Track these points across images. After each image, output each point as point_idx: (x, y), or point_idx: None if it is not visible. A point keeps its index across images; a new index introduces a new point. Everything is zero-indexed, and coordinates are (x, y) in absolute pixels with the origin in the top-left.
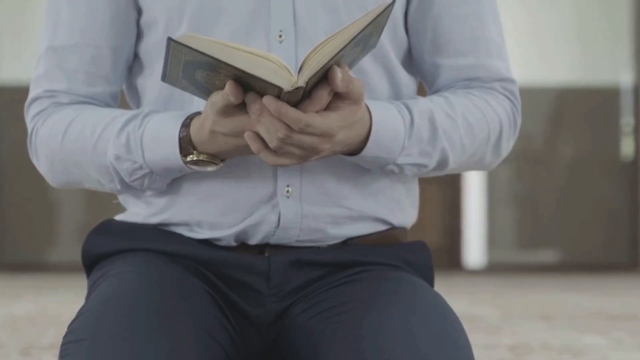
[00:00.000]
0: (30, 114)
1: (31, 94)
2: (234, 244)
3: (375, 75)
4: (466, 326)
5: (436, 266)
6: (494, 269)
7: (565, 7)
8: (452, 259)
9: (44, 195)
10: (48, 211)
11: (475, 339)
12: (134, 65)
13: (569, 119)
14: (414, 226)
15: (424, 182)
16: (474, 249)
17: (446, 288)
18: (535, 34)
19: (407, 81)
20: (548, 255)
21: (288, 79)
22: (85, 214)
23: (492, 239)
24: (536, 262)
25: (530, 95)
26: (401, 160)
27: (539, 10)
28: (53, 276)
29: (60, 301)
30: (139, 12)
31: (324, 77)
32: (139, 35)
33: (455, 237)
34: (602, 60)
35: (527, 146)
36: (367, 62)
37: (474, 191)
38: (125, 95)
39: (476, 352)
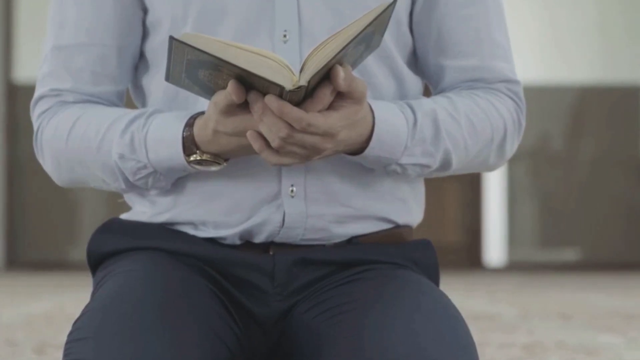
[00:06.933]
0: (35, 112)
1: (37, 93)
2: (238, 242)
3: (380, 75)
4: (483, 325)
5: (456, 265)
6: (514, 267)
7: (585, 6)
8: (472, 258)
9: (64, 193)
10: (68, 210)
11: (491, 338)
12: (139, 64)
13: (589, 117)
14: (434, 225)
15: (443, 181)
16: (494, 247)
17: (466, 286)
18: (555, 32)
19: (412, 81)
20: (568, 254)
21: (290, 78)
22: (104, 212)
23: (512, 238)
24: (556, 261)
25: (550, 94)
26: (404, 160)
27: (559, 9)
28: (72, 275)
29: (79, 300)
30: (145, 11)
31: (326, 76)
32: (144, 35)
33: (476, 236)
34: (622, 58)
35: (546, 145)
36: (372, 63)
37: (494, 190)
38: (131, 95)
39: (491, 350)
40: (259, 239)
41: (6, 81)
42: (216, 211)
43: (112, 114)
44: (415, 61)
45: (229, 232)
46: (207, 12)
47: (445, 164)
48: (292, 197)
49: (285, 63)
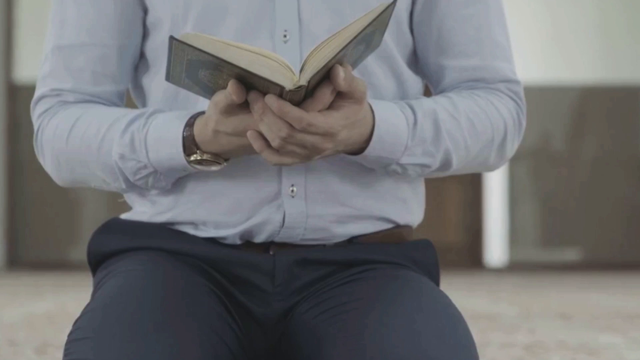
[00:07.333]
0: (36, 112)
1: (37, 93)
2: (239, 242)
3: (381, 76)
4: (484, 325)
5: (457, 264)
6: (515, 267)
7: (586, 6)
8: (474, 258)
9: (64, 193)
10: (68, 210)
11: (492, 338)
12: (139, 64)
13: (591, 117)
14: (435, 224)
15: (444, 181)
16: (495, 247)
17: (467, 286)
18: (556, 32)
19: (413, 81)
20: (569, 254)
21: (290, 78)
22: (105, 212)
23: (513, 238)
24: (557, 261)
25: (552, 94)
26: (404, 160)
27: (560, 8)
28: (73, 275)
29: (79, 300)
30: (145, 11)
31: (326, 76)
32: (145, 35)
33: (477, 236)
34: (623, 58)
35: (548, 144)
36: (372, 63)
37: (495, 190)
38: (131, 95)
39: (492, 350)
40: (259, 238)
41: (7, 81)
42: (217, 211)
43: (113, 114)
44: (416, 61)
45: (229, 232)
46: (207, 12)
47: (446, 164)
48: (293, 197)
49: (285, 63)
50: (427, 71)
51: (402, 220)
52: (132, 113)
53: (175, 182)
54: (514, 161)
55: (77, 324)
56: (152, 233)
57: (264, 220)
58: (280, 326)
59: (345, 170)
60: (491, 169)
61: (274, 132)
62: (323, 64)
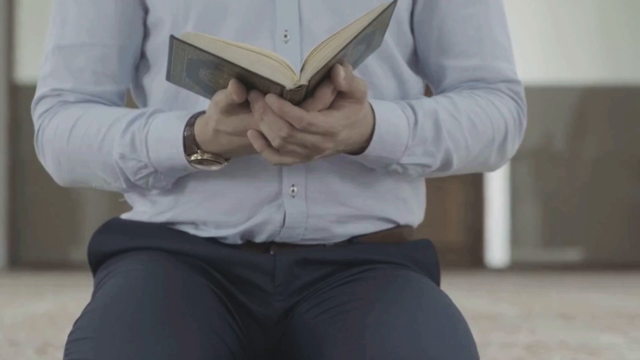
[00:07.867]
0: (37, 112)
1: (38, 93)
2: (239, 242)
3: (381, 76)
4: (485, 325)
5: (458, 264)
6: (516, 267)
7: (587, 5)
8: (475, 258)
9: (66, 193)
10: (70, 209)
11: (493, 338)
12: (140, 64)
13: (592, 117)
14: (436, 224)
15: (445, 181)
16: (497, 247)
17: (468, 286)
18: (557, 32)
19: (413, 82)
20: (570, 254)
21: (290, 77)
22: (106, 212)
23: (515, 238)
24: (558, 261)
25: (553, 94)
26: (405, 160)
27: (561, 8)
28: (74, 275)
29: (80, 300)
30: (146, 11)
31: (327, 75)
32: (145, 35)
33: (478, 236)
34: (624, 58)
35: (549, 145)
36: (373, 63)
37: (497, 189)
38: (132, 94)
39: (493, 350)
40: (259, 238)
41: (8, 81)
42: (217, 211)
43: (113, 114)
44: (416, 61)
45: (230, 231)
46: (208, 12)
47: (446, 163)
48: (293, 197)
49: (286, 62)
50: (427, 71)
51: (402, 220)
52: (132, 113)
53: (175, 182)
54: (515, 161)
55: (78, 323)
56: (153, 233)
57: (265, 220)
58: (281, 326)
59: (346, 170)
60: (492, 169)
61: (275, 131)
62: (323, 63)
